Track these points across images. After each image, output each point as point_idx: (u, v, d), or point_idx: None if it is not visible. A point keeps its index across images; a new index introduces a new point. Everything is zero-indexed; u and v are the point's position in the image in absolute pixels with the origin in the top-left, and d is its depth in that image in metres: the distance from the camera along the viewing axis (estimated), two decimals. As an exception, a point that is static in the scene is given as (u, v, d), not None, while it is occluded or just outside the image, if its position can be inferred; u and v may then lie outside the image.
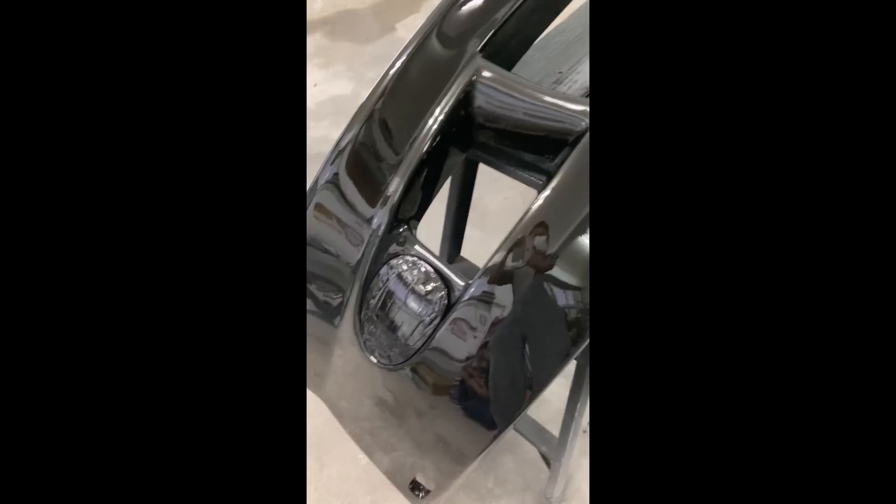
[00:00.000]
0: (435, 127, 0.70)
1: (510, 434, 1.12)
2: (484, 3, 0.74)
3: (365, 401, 0.76)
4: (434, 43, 0.74)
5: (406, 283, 0.67)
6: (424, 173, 0.71)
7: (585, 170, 0.60)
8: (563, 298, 0.58)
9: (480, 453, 0.66)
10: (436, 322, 0.65)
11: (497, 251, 0.61)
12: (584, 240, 0.57)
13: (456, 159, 0.77)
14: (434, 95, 0.70)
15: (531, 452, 1.13)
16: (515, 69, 0.77)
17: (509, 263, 0.60)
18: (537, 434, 1.04)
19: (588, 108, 0.62)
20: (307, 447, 1.19)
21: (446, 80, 0.70)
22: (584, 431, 1.21)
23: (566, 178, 0.60)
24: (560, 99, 0.64)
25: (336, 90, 2.17)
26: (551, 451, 0.99)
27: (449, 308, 0.65)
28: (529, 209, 0.61)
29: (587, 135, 0.61)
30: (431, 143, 0.70)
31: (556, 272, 0.57)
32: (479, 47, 0.70)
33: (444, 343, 0.64)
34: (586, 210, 0.57)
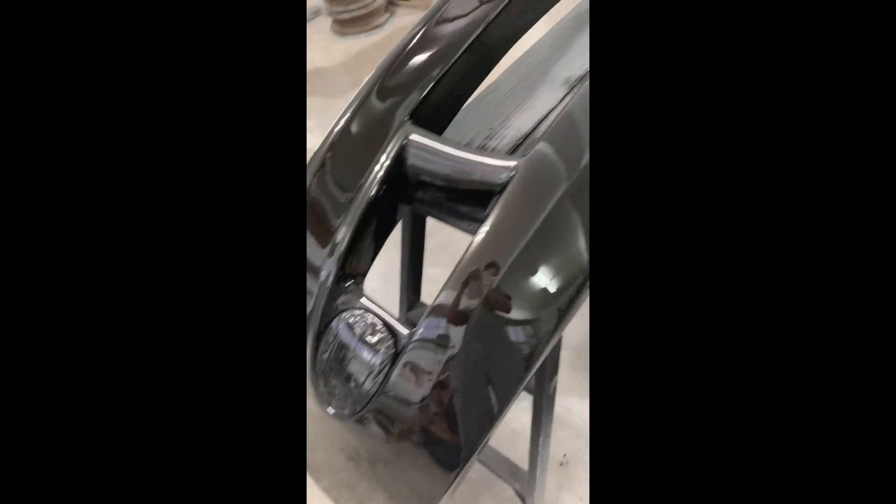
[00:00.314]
0: (375, 183, 0.76)
1: (486, 474, 1.13)
2: (414, 70, 0.81)
3: (330, 452, 0.78)
4: (371, 105, 0.81)
5: (354, 335, 0.71)
6: (369, 225, 0.77)
7: (512, 214, 0.65)
8: (505, 330, 0.62)
9: (444, 493, 0.68)
10: (385, 370, 0.69)
11: (437, 296, 0.65)
12: (518, 275, 0.62)
13: (400, 212, 0.82)
14: (372, 155, 0.76)
15: (509, 491, 1.14)
16: (450, 128, 0.83)
17: (450, 304, 0.64)
18: (510, 471, 1.05)
19: (510, 163, 0.68)
20: None
21: (381, 142, 0.76)
22: (561, 464, 1.23)
23: (496, 222, 0.65)
24: (483, 156, 0.70)
25: (308, 143, 2.25)
26: (524, 488, 1.01)
27: (396, 356, 0.68)
28: (464, 255, 0.65)
29: (511, 183, 0.67)
30: (373, 198, 0.76)
31: (493, 307, 0.62)
32: (408, 114, 0.76)
33: (395, 389, 0.67)
34: (519, 247, 0.62)
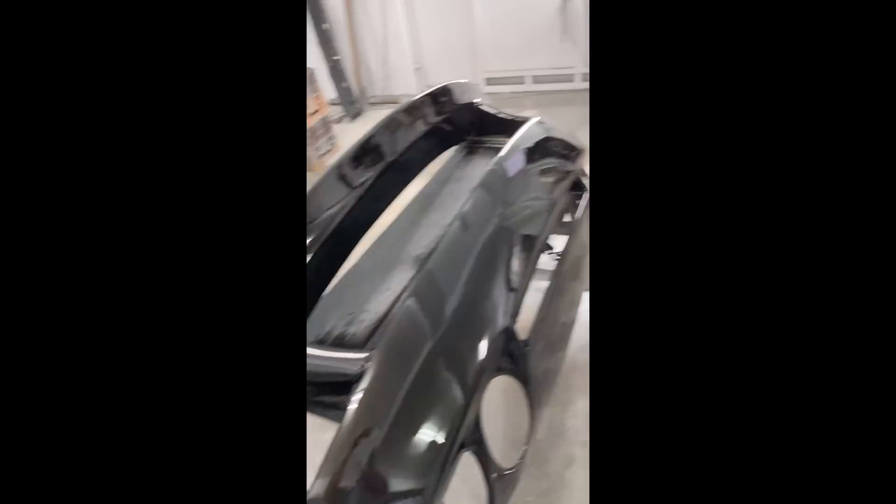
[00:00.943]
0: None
1: None
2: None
3: None
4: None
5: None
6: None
7: (369, 400, 0.67)
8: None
9: None
10: None
11: (310, 490, 0.64)
12: (387, 450, 0.63)
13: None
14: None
15: None
16: (312, 315, 0.87)
17: (321, 494, 0.62)
18: None
19: (360, 355, 0.72)
20: None
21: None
22: None
23: (356, 410, 0.67)
24: (337, 352, 0.74)
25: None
26: None
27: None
28: (331, 444, 0.65)
29: (368, 368, 0.70)
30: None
31: (368, 487, 0.61)
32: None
33: None
34: (382, 436, 0.64)
